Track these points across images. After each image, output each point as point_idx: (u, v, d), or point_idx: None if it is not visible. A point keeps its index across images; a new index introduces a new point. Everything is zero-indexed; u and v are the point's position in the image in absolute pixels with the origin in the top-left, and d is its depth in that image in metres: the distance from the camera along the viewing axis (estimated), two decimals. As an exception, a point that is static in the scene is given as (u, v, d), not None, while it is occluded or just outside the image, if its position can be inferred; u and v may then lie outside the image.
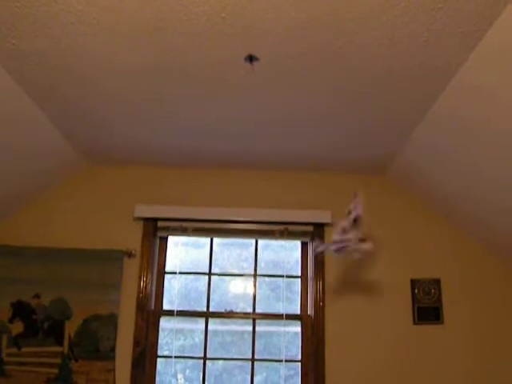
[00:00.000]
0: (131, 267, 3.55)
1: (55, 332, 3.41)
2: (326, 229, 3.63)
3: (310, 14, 1.96)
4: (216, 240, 3.79)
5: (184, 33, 2.10)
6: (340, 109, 2.79)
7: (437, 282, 3.56)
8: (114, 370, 3.36)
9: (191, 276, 3.75)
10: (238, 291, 3.74)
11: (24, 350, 3.38)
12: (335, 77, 2.44)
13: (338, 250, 2.74)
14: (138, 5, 1.93)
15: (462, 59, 2.23)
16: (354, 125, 2.99)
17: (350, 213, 2.69)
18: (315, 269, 3.59)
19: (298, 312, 3.63)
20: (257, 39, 2.14)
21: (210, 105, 2.78)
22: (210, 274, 3.71)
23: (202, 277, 3.72)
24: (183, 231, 3.64)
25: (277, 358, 3.55)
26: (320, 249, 3.26)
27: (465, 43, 2.12)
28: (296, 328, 3.59)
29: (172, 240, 3.78)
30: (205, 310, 3.63)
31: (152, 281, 3.60)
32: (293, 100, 2.70)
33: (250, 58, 2.26)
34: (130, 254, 3.55)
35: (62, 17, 2.00)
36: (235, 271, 3.77)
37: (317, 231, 3.65)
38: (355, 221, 2.65)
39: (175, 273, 3.70)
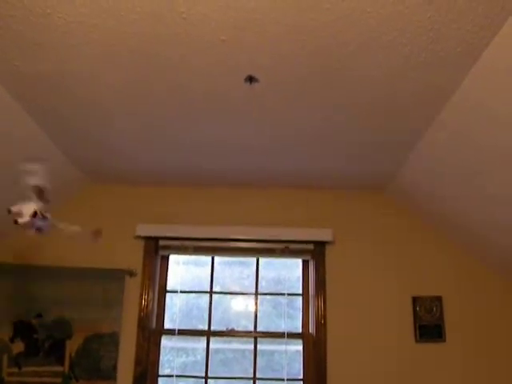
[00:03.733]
0: (132, 286, 3.56)
1: (56, 351, 3.40)
2: (328, 247, 3.65)
3: (308, 36, 1.99)
4: (217, 258, 3.79)
5: (184, 55, 2.13)
6: (339, 129, 2.81)
7: (438, 299, 3.54)
8: (115, 389, 3.35)
9: (193, 294, 3.75)
10: (239, 309, 3.73)
11: (25, 369, 3.37)
12: (334, 97, 2.46)
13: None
14: (138, 28, 1.95)
15: (460, 78, 2.25)
16: (354, 144, 3.01)
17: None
18: (316, 287, 3.58)
19: (300, 330, 3.62)
20: (257, 61, 2.16)
21: (209, 125, 2.80)
22: (211, 292, 3.71)
23: (204, 295, 3.72)
24: (184, 250, 3.65)
25: (279, 376, 3.53)
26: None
27: (462, 62, 2.14)
28: (298, 346, 3.57)
29: (173, 258, 3.79)
30: (206, 327, 3.62)
31: (153, 299, 3.60)
32: (292, 120, 2.72)
33: (250, 79, 2.29)
34: (131, 273, 3.56)
35: (64, 40, 2.03)
36: (236, 289, 3.76)
37: (318, 249, 3.65)
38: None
39: (176, 291, 3.70)
